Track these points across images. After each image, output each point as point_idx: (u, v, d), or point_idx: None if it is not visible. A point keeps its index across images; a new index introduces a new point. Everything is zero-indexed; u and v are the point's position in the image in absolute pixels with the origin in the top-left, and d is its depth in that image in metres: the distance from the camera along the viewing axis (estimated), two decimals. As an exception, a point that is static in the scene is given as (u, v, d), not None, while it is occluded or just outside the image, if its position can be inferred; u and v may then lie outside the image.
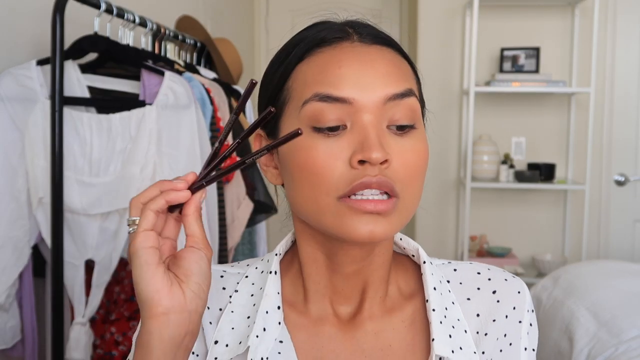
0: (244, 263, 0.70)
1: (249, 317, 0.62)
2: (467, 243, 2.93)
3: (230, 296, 0.64)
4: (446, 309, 0.61)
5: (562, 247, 3.15)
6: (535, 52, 2.99)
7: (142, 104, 1.34)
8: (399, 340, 0.62)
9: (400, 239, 0.67)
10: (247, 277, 0.66)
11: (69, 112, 1.29)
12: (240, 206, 1.65)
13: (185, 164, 1.36)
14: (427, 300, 0.61)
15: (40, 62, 1.29)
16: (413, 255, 0.67)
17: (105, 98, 1.40)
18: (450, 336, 0.59)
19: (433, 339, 0.58)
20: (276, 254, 0.65)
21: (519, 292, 0.63)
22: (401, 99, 0.55)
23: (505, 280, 0.64)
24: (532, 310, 0.64)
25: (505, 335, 0.62)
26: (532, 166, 3.02)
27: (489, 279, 0.64)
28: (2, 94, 1.25)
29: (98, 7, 1.30)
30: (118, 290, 1.48)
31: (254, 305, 0.62)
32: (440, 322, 0.60)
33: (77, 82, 1.34)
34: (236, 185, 1.63)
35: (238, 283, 0.65)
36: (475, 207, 3.09)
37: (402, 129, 0.56)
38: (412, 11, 3.37)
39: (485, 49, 3.05)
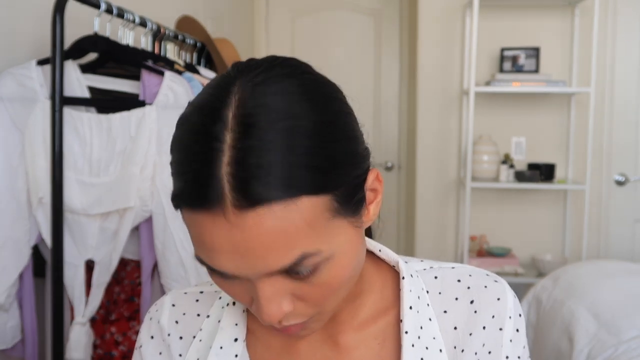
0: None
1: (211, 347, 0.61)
2: (467, 243, 2.93)
3: (203, 322, 0.64)
4: (421, 327, 0.59)
5: (562, 247, 3.15)
6: (535, 52, 2.99)
7: (142, 104, 1.34)
8: (370, 357, 0.60)
9: (380, 250, 0.65)
10: (220, 298, 0.65)
11: (69, 112, 1.29)
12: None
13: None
14: (401, 320, 0.59)
15: (40, 62, 1.29)
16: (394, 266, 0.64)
17: (105, 98, 1.40)
18: (422, 359, 0.58)
19: None
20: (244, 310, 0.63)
21: (498, 299, 0.60)
22: (286, 272, 0.48)
23: (485, 287, 0.61)
24: (520, 315, 0.61)
25: (483, 345, 0.59)
26: (532, 166, 3.02)
27: (468, 287, 0.61)
28: (2, 94, 1.25)
29: (98, 7, 1.30)
30: (118, 290, 1.48)
31: (213, 333, 0.62)
32: (412, 345, 0.58)
33: (77, 82, 1.34)
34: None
35: (212, 305, 0.64)
36: (475, 207, 3.09)
37: (297, 274, 0.49)
38: (412, 11, 3.37)
39: (485, 49, 3.05)
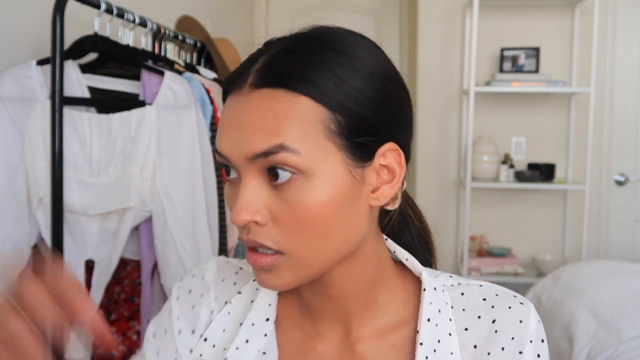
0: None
1: (241, 324, 0.63)
2: (467, 243, 2.93)
3: (234, 296, 0.66)
4: (439, 341, 0.59)
5: (562, 247, 3.15)
6: (535, 52, 2.99)
7: (142, 104, 1.34)
8: None
9: (407, 260, 0.65)
10: (254, 280, 0.66)
11: (69, 112, 1.29)
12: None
13: (185, 164, 1.36)
14: (417, 331, 0.59)
15: (40, 62, 1.29)
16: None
17: (105, 98, 1.40)
18: None
19: None
20: None
21: (520, 321, 0.59)
22: (265, 157, 0.51)
23: (509, 308, 0.60)
24: (543, 340, 0.60)
25: None
26: (532, 166, 3.02)
27: (492, 307, 0.61)
28: (2, 94, 1.25)
29: (98, 7, 1.30)
30: (118, 290, 1.48)
31: (249, 312, 0.64)
32: (426, 358, 0.58)
33: (77, 82, 1.34)
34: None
35: (246, 284, 0.67)
36: (475, 207, 3.09)
37: (275, 178, 0.52)
38: (412, 11, 3.37)
39: (485, 49, 3.05)
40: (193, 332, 0.66)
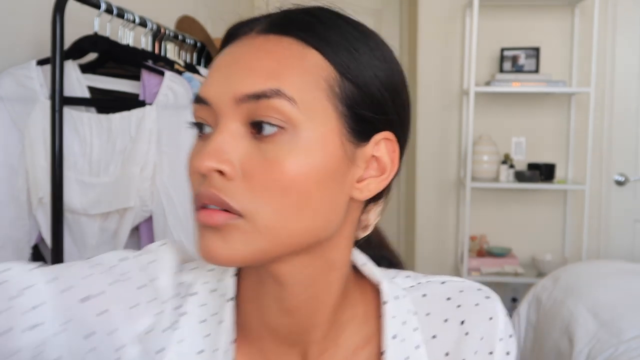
0: (186, 267, 0.58)
1: (201, 352, 0.53)
2: (467, 243, 2.93)
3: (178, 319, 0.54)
4: (407, 358, 0.53)
5: (562, 247, 3.15)
6: (535, 52, 2.99)
7: (142, 104, 1.34)
8: None
9: (364, 265, 0.58)
10: (195, 294, 0.55)
11: (69, 112, 1.29)
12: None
13: (185, 164, 1.36)
14: (382, 352, 0.53)
15: (40, 62, 1.29)
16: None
17: (105, 98, 1.40)
18: None
19: None
20: (235, 274, 0.56)
21: (490, 319, 0.55)
22: (256, 101, 0.45)
23: (477, 305, 0.55)
24: (511, 336, 0.56)
25: None
26: (532, 166, 3.02)
27: (459, 306, 0.55)
28: (2, 94, 1.25)
29: (98, 7, 1.30)
30: (118, 290, 1.48)
31: (207, 336, 0.53)
32: None
33: (77, 82, 1.34)
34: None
35: (182, 297, 0.55)
36: (475, 207, 3.09)
37: (260, 130, 0.46)
38: (412, 11, 3.37)
39: (485, 49, 3.05)
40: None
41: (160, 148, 1.33)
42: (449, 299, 0.56)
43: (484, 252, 3.02)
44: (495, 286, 3.05)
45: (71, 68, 1.33)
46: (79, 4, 1.26)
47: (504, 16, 3.08)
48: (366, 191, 0.51)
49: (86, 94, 1.35)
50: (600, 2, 2.85)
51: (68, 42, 1.29)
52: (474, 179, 2.95)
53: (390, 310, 0.55)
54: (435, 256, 3.19)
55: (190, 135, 1.39)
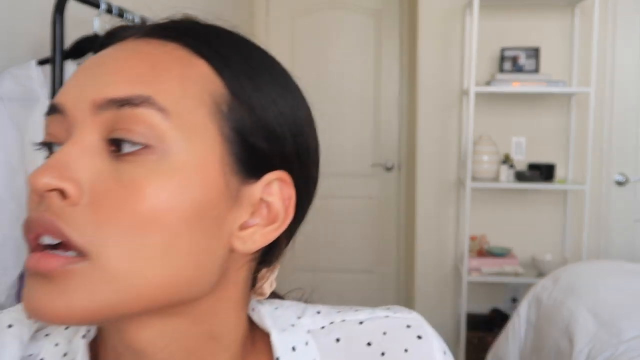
0: (41, 334, 0.46)
1: None
2: (467, 243, 2.93)
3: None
4: None
5: (562, 247, 3.15)
6: (535, 52, 2.99)
7: (142, 104, 1.34)
8: None
9: (252, 310, 0.47)
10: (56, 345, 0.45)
11: (69, 112, 1.29)
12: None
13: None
14: None
15: (40, 62, 1.29)
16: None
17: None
18: None
19: None
20: (83, 336, 0.44)
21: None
22: (118, 109, 0.36)
23: (406, 351, 0.45)
24: (445, 352, 0.47)
25: None
26: (532, 166, 3.02)
27: (383, 354, 0.45)
28: (2, 94, 1.25)
29: (98, 7, 1.30)
30: (118, 290, 1.48)
31: None
32: None
33: (77, 82, 1.34)
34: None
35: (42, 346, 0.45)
36: (475, 207, 3.09)
37: (119, 147, 0.37)
38: (412, 11, 3.37)
39: (485, 49, 3.06)
40: None
41: (160, 148, 1.33)
42: (369, 344, 0.45)
43: (484, 252, 3.02)
44: (495, 286, 3.05)
45: (71, 68, 1.33)
46: (79, 4, 1.26)
47: (504, 16, 3.08)
48: (250, 242, 0.41)
49: (86, 94, 1.35)
50: (600, 2, 2.85)
51: (68, 42, 1.29)
52: (474, 179, 2.95)
53: None
54: (435, 256, 3.19)
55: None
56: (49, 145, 0.39)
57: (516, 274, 2.88)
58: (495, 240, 3.14)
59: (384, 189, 3.62)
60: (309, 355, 0.45)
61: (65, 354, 0.44)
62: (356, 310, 0.48)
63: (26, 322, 0.45)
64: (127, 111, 0.36)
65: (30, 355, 0.44)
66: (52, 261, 0.34)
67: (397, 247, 3.65)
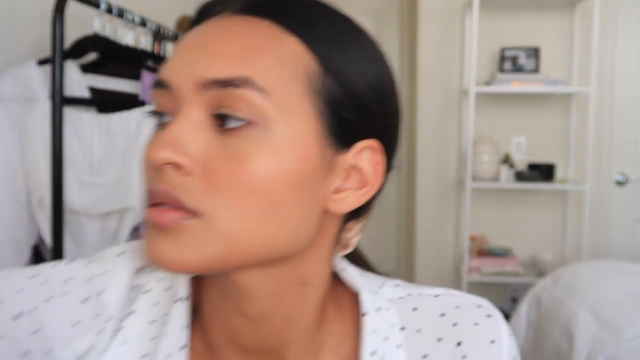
0: (146, 270, 0.51)
1: (145, 356, 0.47)
2: (467, 243, 2.93)
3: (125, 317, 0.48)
4: None
5: (562, 247, 3.15)
6: (535, 52, 2.99)
7: (142, 103, 1.34)
8: None
9: (343, 270, 0.52)
10: (148, 291, 0.49)
11: (69, 112, 1.29)
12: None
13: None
14: None
15: (40, 62, 1.29)
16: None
17: (105, 98, 1.40)
18: None
19: None
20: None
21: (492, 342, 0.49)
22: (222, 89, 0.40)
23: (476, 324, 0.49)
24: (515, 358, 0.50)
25: None
26: (532, 166, 3.02)
27: (455, 324, 0.49)
28: (2, 94, 1.25)
29: (98, 7, 1.30)
30: (118, 291, 1.48)
31: (154, 338, 0.47)
32: None
33: (77, 82, 1.34)
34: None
35: (133, 299, 0.49)
36: (475, 207, 3.09)
37: (224, 123, 0.40)
38: (412, 11, 3.37)
39: (485, 49, 3.05)
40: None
41: (160, 148, 1.33)
42: (443, 315, 0.50)
43: (484, 252, 3.02)
44: (495, 286, 3.05)
45: (71, 68, 1.33)
46: (79, 4, 1.26)
47: (504, 16, 3.08)
48: (344, 204, 0.45)
49: (86, 94, 1.35)
50: (600, 2, 2.85)
51: (68, 42, 1.29)
52: (474, 179, 2.95)
53: (369, 324, 0.48)
54: (436, 256, 3.19)
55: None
56: (159, 114, 0.43)
57: (516, 274, 2.88)
58: (495, 240, 3.14)
59: (384, 188, 3.61)
60: (391, 319, 0.49)
61: (169, 288, 0.49)
62: (431, 288, 0.53)
63: (137, 254, 0.49)
64: (230, 91, 0.40)
65: (137, 285, 0.49)
66: (169, 215, 0.39)
67: (397, 247, 3.65)
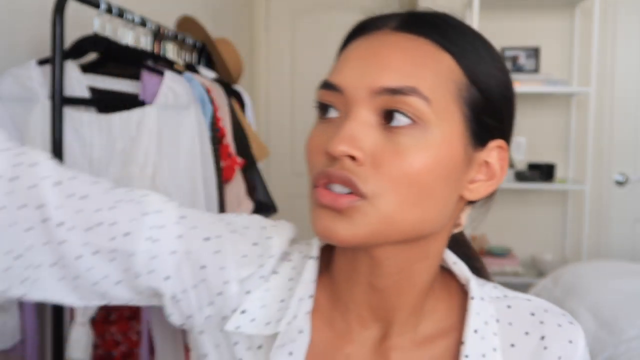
0: (295, 242, 0.65)
1: (282, 301, 0.57)
2: (467, 243, 2.93)
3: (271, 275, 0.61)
4: (483, 356, 0.55)
5: (562, 247, 3.15)
6: (535, 52, 2.99)
7: (142, 104, 1.34)
8: None
9: (454, 263, 0.61)
10: (290, 260, 0.61)
11: (69, 112, 1.29)
12: (241, 206, 1.65)
13: (185, 164, 1.36)
14: (462, 343, 0.55)
15: (40, 62, 1.29)
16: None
17: (105, 98, 1.40)
18: None
19: None
20: None
21: (570, 342, 0.56)
22: (392, 95, 0.48)
23: (559, 325, 0.57)
24: (586, 345, 0.57)
25: None
26: (532, 166, 3.02)
27: (541, 322, 0.57)
28: (2, 94, 1.25)
29: (98, 7, 1.30)
30: (118, 290, 1.48)
31: (290, 290, 0.58)
32: None
33: (77, 82, 1.34)
34: (236, 185, 1.63)
35: (282, 260, 0.62)
36: (475, 206, 3.09)
37: (390, 121, 0.49)
38: (412, 11, 3.37)
39: (485, 49, 3.06)
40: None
41: (160, 148, 1.33)
42: (533, 314, 0.58)
43: (484, 252, 3.02)
44: (495, 286, 3.05)
45: (71, 68, 1.33)
46: (79, 4, 1.26)
47: (504, 16, 3.08)
48: (475, 193, 0.55)
49: (86, 94, 1.35)
50: (600, 2, 2.85)
51: (68, 42, 1.29)
52: (474, 179, 2.95)
53: (475, 307, 0.57)
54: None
55: (190, 135, 1.39)
56: (324, 107, 0.53)
57: (516, 274, 2.88)
58: (495, 240, 3.14)
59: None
60: (490, 310, 0.57)
61: (305, 256, 0.61)
62: (525, 294, 0.62)
63: (291, 230, 0.62)
64: (399, 98, 0.48)
65: (286, 251, 0.61)
66: (343, 201, 0.48)
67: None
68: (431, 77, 0.49)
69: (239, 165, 1.60)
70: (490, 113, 0.52)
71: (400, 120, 0.49)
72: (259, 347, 0.57)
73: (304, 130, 3.68)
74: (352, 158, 0.49)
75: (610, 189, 3.11)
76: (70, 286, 0.57)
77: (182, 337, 1.45)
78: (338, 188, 0.49)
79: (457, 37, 0.52)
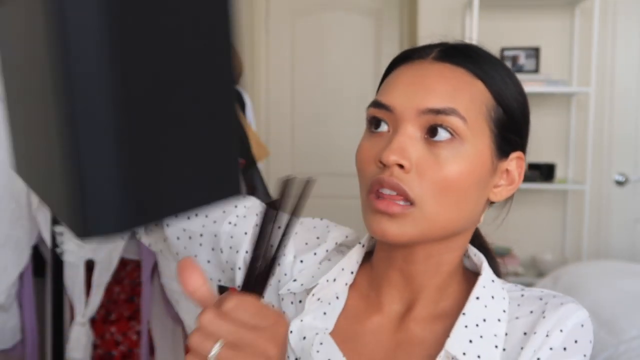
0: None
1: (333, 280, 0.69)
2: (467, 243, 2.93)
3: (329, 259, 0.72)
4: (484, 320, 0.62)
5: (562, 247, 3.15)
6: (535, 52, 2.99)
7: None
8: (433, 341, 0.64)
9: (475, 255, 0.69)
10: (342, 252, 0.73)
11: (69, 112, 1.29)
12: (240, 206, 1.64)
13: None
14: (463, 314, 0.62)
15: (40, 62, 1.29)
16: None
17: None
18: (470, 341, 0.60)
19: (449, 336, 0.60)
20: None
21: (564, 314, 0.62)
22: (436, 115, 0.58)
23: (561, 304, 0.63)
24: (576, 342, 0.63)
25: (534, 350, 0.61)
26: (532, 166, 3.02)
27: (546, 303, 0.63)
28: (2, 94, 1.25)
29: (98, 7, 1.30)
30: (118, 290, 1.48)
31: (342, 269, 0.69)
32: (466, 326, 0.61)
33: (77, 82, 1.34)
34: (236, 185, 1.63)
35: (337, 251, 0.74)
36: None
37: (433, 136, 0.59)
38: (412, 11, 3.37)
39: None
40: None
41: (160, 148, 1.33)
42: (540, 298, 0.64)
43: (484, 252, 3.03)
44: (495, 286, 3.05)
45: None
46: (79, 4, 1.25)
47: (504, 16, 3.07)
48: (499, 196, 0.66)
49: (86, 94, 1.35)
50: (600, 2, 2.84)
51: (68, 42, 1.29)
52: (474, 179, 2.95)
53: (482, 281, 0.64)
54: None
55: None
56: (376, 120, 0.62)
57: (516, 274, 2.88)
58: (495, 240, 3.14)
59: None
60: (499, 289, 0.65)
61: (357, 262, 0.71)
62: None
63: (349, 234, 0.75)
64: (441, 117, 0.59)
65: (342, 244, 0.74)
66: (396, 208, 0.58)
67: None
68: (467, 100, 0.60)
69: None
70: (512, 130, 0.64)
71: (441, 135, 0.58)
72: (300, 301, 0.69)
73: (304, 130, 3.69)
74: (401, 166, 0.58)
75: (610, 189, 3.11)
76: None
77: (181, 337, 1.45)
78: (388, 191, 0.58)
79: (486, 66, 0.63)
